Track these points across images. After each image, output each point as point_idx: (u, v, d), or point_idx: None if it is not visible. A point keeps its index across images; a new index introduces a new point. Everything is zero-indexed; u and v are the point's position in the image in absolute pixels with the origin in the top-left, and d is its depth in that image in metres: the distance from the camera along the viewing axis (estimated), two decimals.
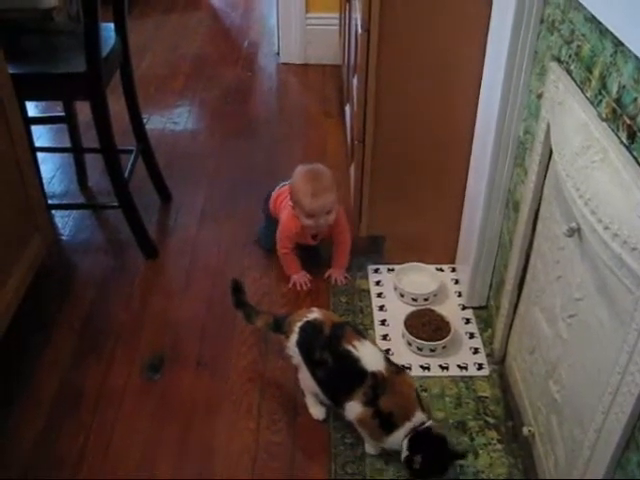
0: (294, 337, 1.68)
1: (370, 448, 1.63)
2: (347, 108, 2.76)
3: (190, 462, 1.63)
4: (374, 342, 1.69)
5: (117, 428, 1.71)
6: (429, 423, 1.52)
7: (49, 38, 2.19)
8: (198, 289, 2.15)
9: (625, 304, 1.06)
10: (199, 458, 1.64)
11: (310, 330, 1.67)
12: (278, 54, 3.72)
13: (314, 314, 1.69)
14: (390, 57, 1.84)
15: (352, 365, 1.57)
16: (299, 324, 1.68)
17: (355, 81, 2.15)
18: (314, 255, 2.22)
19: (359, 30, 1.90)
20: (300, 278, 2.12)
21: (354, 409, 1.56)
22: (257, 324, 1.81)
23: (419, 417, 1.52)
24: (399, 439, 1.53)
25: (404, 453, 1.51)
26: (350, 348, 1.58)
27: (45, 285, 2.10)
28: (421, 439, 1.51)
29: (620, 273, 1.04)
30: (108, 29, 2.16)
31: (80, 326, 2.00)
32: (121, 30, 2.19)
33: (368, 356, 1.57)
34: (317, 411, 1.72)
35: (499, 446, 1.65)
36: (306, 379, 1.69)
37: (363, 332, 1.72)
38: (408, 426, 1.51)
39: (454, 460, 1.54)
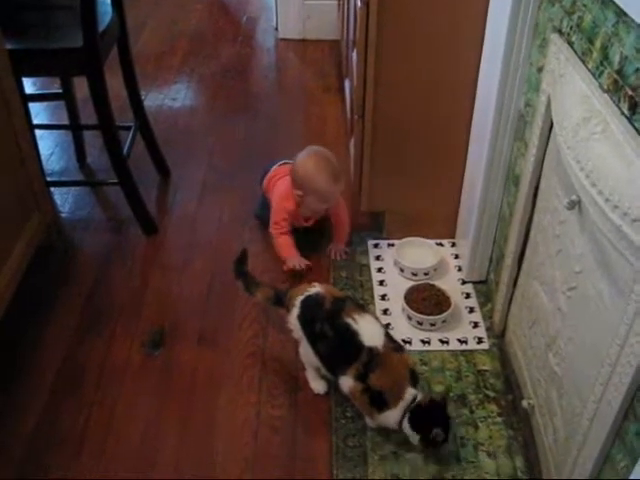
0: (295, 311, 1.69)
1: (370, 421, 1.64)
2: (346, 83, 2.75)
3: (192, 437, 1.65)
4: (375, 316, 1.69)
5: (119, 404, 1.72)
6: (419, 397, 1.53)
7: (46, 13, 2.16)
8: (198, 265, 2.15)
9: (625, 276, 1.06)
10: (201, 433, 1.65)
11: (311, 304, 1.67)
12: (277, 29, 3.69)
13: (316, 288, 1.70)
14: (389, 31, 1.82)
15: (350, 338, 1.57)
16: (300, 298, 1.69)
17: (354, 55, 2.13)
18: (313, 236, 2.20)
19: (358, 4, 1.88)
20: (297, 261, 2.06)
21: (347, 382, 1.58)
22: (257, 296, 1.81)
23: (410, 394, 1.53)
24: (394, 419, 1.54)
25: (414, 437, 1.52)
26: (349, 321, 1.58)
27: (45, 262, 2.10)
28: (421, 415, 1.51)
29: (620, 245, 1.04)
30: (105, 4, 2.13)
31: (81, 303, 2.00)
32: (118, 5, 2.16)
33: (367, 330, 1.58)
34: (318, 385, 1.74)
35: (499, 419, 1.66)
36: (307, 353, 1.70)
37: (364, 306, 1.72)
38: (402, 406, 1.53)
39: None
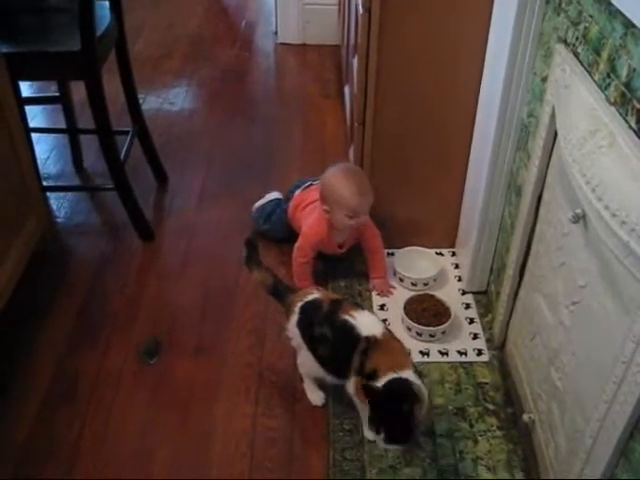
0: (294, 318, 1.67)
1: (369, 433, 1.62)
2: (346, 89, 2.73)
3: (187, 448, 1.62)
4: (373, 312, 1.67)
5: (114, 414, 1.69)
6: (412, 379, 1.46)
7: (43, 16, 2.15)
8: (195, 272, 2.12)
9: (631, 292, 1.04)
10: (197, 444, 1.63)
11: (310, 309, 1.65)
12: (276, 34, 3.67)
13: (314, 294, 1.68)
14: (391, 37, 1.80)
15: (349, 332, 1.55)
16: (299, 304, 1.67)
17: (355, 62, 2.11)
18: (343, 264, 2.13)
19: (360, 10, 1.87)
20: None
21: (351, 384, 1.55)
22: (254, 275, 1.75)
23: (407, 374, 1.47)
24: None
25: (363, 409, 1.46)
26: (347, 317, 1.57)
27: (41, 268, 2.08)
28: (395, 384, 1.45)
29: (627, 261, 1.02)
30: (103, 7, 2.11)
31: (76, 310, 1.98)
32: (116, 8, 2.15)
33: (364, 322, 1.56)
34: (316, 397, 1.71)
35: (499, 433, 1.64)
36: (306, 362, 1.68)
37: (362, 305, 1.68)
38: (390, 376, 1.46)
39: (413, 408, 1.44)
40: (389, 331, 1.58)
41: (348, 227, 1.96)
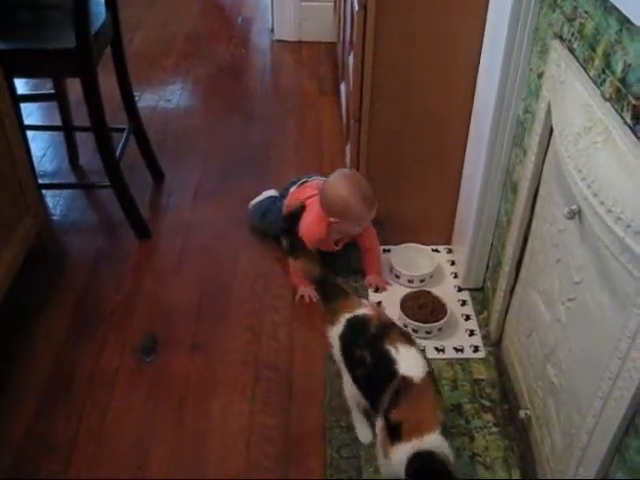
0: (339, 328, 1.58)
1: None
2: (342, 86, 2.72)
3: (184, 446, 1.62)
4: (422, 351, 1.53)
5: (110, 412, 1.69)
6: (437, 446, 1.33)
7: (38, 13, 2.14)
8: (191, 270, 2.12)
9: (627, 289, 1.04)
10: (193, 442, 1.62)
11: (356, 325, 1.56)
12: (272, 31, 3.67)
13: (364, 309, 1.58)
14: (387, 34, 1.80)
15: (387, 366, 1.44)
16: (347, 316, 1.57)
17: (351, 59, 2.11)
18: (339, 261, 2.11)
19: (355, 7, 1.86)
20: (309, 292, 2.00)
21: (378, 425, 1.45)
22: (300, 262, 1.69)
23: (433, 438, 1.34)
24: (402, 456, 1.34)
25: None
26: (391, 348, 1.46)
27: (36, 266, 2.07)
28: (420, 462, 1.32)
29: (622, 257, 1.02)
30: (98, 4, 2.11)
31: (72, 308, 1.97)
32: (112, 5, 2.14)
33: (406, 360, 1.44)
34: (363, 434, 1.61)
35: (495, 429, 1.64)
36: (346, 380, 1.59)
37: (413, 339, 1.54)
38: (415, 445, 1.33)
39: None
40: (431, 375, 1.45)
41: (356, 232, 1.99)
